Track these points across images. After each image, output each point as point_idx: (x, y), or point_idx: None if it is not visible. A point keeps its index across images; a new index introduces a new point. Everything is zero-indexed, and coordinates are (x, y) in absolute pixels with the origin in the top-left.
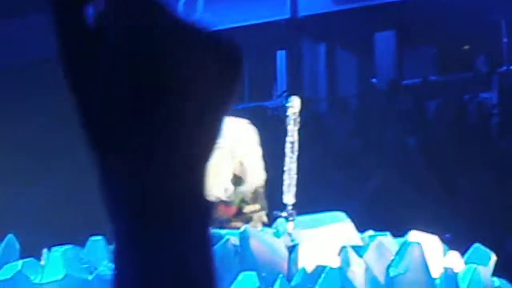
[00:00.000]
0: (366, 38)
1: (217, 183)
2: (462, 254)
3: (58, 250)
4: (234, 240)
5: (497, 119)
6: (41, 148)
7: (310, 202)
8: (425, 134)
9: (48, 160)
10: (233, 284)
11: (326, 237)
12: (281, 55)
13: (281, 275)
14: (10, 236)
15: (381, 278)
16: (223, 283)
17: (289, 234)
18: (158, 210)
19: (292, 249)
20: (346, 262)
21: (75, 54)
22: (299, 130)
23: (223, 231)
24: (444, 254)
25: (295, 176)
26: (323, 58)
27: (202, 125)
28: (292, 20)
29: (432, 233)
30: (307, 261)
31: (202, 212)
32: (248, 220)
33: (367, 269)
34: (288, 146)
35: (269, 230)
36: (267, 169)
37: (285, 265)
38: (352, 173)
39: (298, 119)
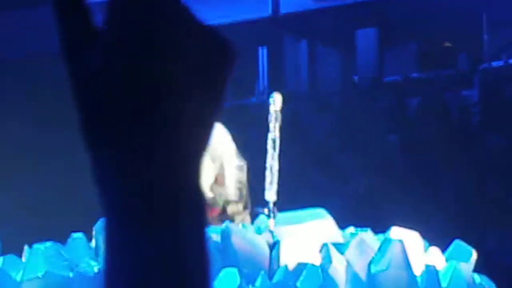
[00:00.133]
0: (347, 35)
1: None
2: (443, 250)
3: (39, 247)
4: (216, 237)
5: (478, 117)
6: (22, 146)
7: (290, 199)
8: (406, 130)
9: (29, 158)
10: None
11: (307, 234)
12: (262, 52)
13: (262, 272)
14: None
15: (363, 275)
16: None
17: (271, 231)
18: (155, 206)
19: (273, 246)
20: (327, 259)
21: (75, 52)
22: (281, 127)
23: None
24: (425, 250)
25: (276, 173)
26: (304, 56)
27: (198, 122)
28: (273, 17)
29: (413, 229)
30: (288, 258)
31: (198, 207)
32: (230, 221)
33: (348, 266)
34: (269, 143)
35: (251, 227)
36: (248, 167)
37: (266, 262)
38: (332, 171)
39: (280, 116)
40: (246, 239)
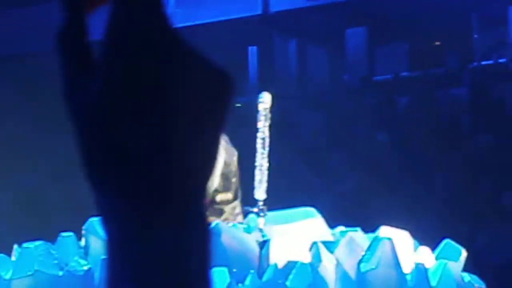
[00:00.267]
0: (337, 34)
1: None
2: (433, 249)
3: (28, 246)
4: None
5: (468, 115)
6: (12, 145)
7: (280, 198)
8: (396, 129)
9: (18, 157)
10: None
11: (297, 233)
12: (252, 51)
13: (252, 271)
14: None
15: (352, 274)
16: None
17: (260, 230)
18: (155, 206)
19: (263, 244)
20: (317, 258)
21: (75, 91)
22: (270, 126)
23: None
24: (415, 250)
25: (266, 172)
26: (294, 54)
27: (202, 155)
28: (263, 16)
29: (403, 228)
30: (278, 257)
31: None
32: (220, 212)
33: (338, 265)
34: (259, 142)
35: (240, 226)
36: (239, 154)
37: (256, 261)
38: (322, 170)
39: (269, 115)
40: (235, 238)
